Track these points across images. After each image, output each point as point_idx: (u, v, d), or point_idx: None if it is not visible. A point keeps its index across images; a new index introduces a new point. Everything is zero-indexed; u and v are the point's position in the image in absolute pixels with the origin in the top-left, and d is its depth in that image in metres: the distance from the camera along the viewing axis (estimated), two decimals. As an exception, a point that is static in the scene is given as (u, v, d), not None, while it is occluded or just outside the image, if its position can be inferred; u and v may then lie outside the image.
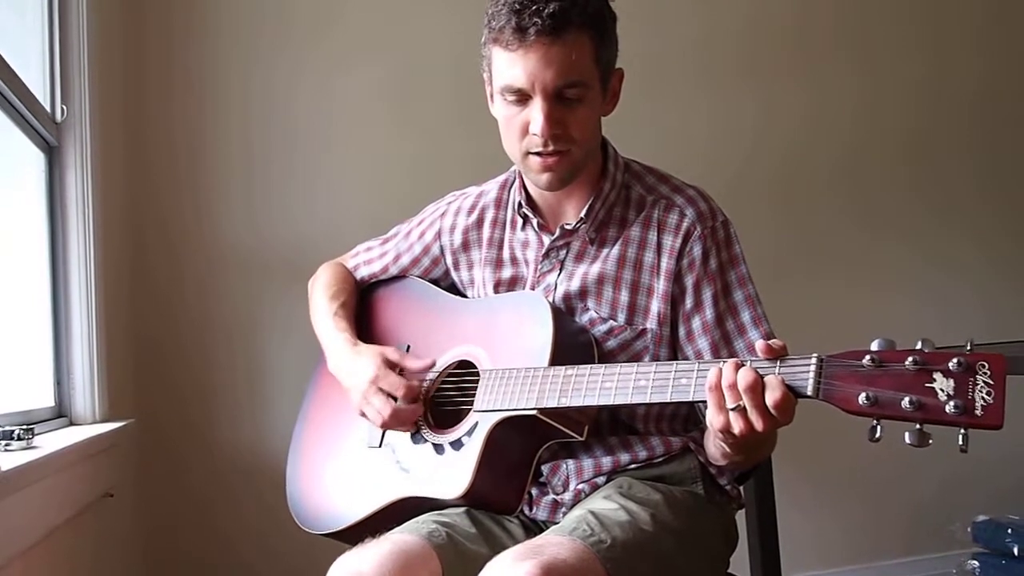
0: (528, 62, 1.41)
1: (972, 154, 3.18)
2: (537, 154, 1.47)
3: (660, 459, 1.52)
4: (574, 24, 1.41)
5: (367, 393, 1.56)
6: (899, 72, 3.11)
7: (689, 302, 1.50)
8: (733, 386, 1.20)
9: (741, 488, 1.61)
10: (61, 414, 2.06)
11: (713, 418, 1.23)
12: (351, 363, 1.62)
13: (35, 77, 2.03)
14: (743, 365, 1.21)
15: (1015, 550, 2.54)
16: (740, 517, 1.63)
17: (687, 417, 1.56)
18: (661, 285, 1.51)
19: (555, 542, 1.30)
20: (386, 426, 1.56)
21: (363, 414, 1.59)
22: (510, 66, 1.43)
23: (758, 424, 1.19)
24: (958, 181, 3.16)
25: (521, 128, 1.46)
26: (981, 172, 3.18)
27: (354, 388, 1.60)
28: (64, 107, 2.07)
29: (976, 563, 2.64)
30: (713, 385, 1.22)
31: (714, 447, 1.42)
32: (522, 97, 1.44)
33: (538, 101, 1.42)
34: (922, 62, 3.13)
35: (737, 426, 1.21)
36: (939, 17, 3.16)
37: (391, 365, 1.58)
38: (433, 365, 1.58)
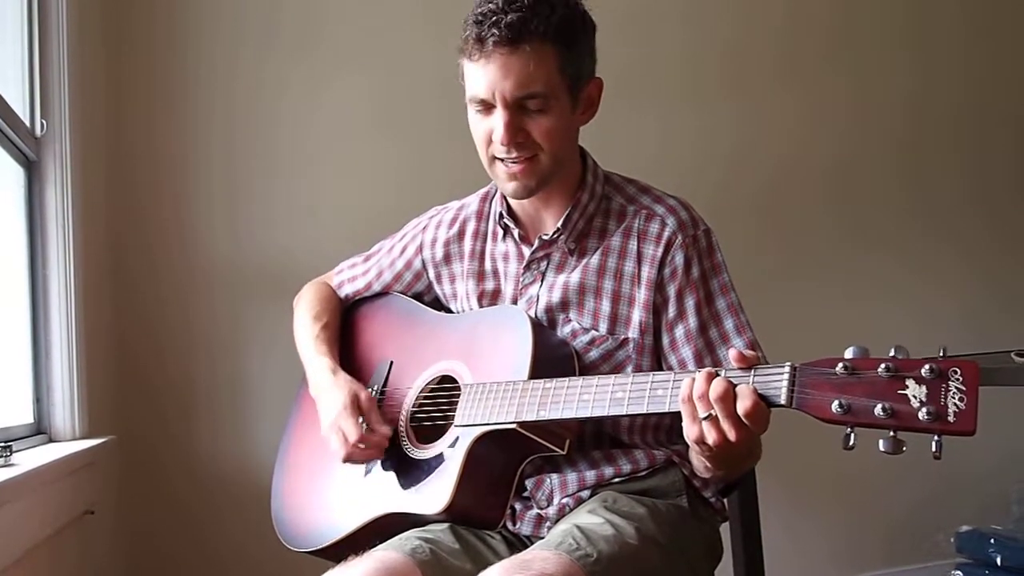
0: (488, 72, 1.43)
1: (957, 165, 3.20)
2: (503, 161, 1.48)
3: (644, 472, 1.52)
4: (534, 35, 1.41)
5: (330, 429, 1.57)
6: (886, 85, 3.13)
7: (672, 311, 1.50)
8: (704, 396, 1.20)
9: (725, 501, 1.61)
10: (40, 431, 2.04)
11: (687, 429, 1.24)
12: (325, 393, 1.63)
13: (14, 91, 2.02)
14: (716, 376, 1.21)
15: (998, 560, 2.56)
16: (724, 529, 1.63)
17: (672, 428, 1.56)
18: (642, 294, 1.51)
19: (542, 557, 1.29)
20: (345, 462, 1.57)
21: None
22: (473, 77, 1.46)
23: (731, 434, 1.19)
24: (943, 193, 3.18)
25: (487, 136, 1.48)
26: (966, 183, 3.20)
27: (323, 419, 1.61)
28: (44, 121, 2.05)
29: (960, 573, 2.65)
30: (685, 397, 1.23)
31: (697, 460, 1.42)
32: (486, 106, 1.47)
33: (499, 110, 1.44)
34: (909, 75, 3.16)
35: (710, 436, 1.21)
36: (926, 30, 3.19)
37: (358, 409, 1.56)
38: (389, 436, 1.55)
